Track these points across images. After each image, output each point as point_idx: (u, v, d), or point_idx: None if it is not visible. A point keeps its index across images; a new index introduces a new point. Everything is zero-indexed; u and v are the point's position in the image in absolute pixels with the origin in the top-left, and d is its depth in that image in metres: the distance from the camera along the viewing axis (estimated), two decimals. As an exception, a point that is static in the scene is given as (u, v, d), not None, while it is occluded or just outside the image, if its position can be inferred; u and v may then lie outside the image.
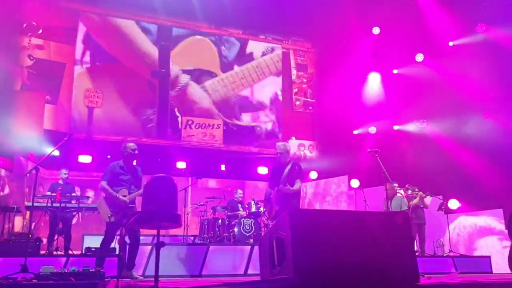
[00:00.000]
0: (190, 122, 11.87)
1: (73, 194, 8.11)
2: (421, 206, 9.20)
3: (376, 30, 11.94)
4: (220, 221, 8.85)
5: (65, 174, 8.27)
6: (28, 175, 6.58)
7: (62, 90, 11.15)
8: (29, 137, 9.79)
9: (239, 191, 9.73)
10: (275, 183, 5.99)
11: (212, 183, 11.73)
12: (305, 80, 13.43)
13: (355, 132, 12.24)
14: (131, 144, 6.13)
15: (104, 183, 5.82)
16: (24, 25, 10.79)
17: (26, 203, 7.90)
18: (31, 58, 10.83)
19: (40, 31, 10.97)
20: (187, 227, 9.15)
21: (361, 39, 12.15)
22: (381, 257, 3.64)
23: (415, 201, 9.10)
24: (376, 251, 3.66)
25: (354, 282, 3.49)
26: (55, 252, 7.39)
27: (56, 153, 8.70)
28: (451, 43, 10.85)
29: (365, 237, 3.70)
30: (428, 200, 9.22)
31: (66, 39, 11.32)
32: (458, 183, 9.57)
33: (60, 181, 8.25)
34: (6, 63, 10.20)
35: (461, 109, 10.14)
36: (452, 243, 9.41)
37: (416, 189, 9.14)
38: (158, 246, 3.58)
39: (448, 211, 9.60)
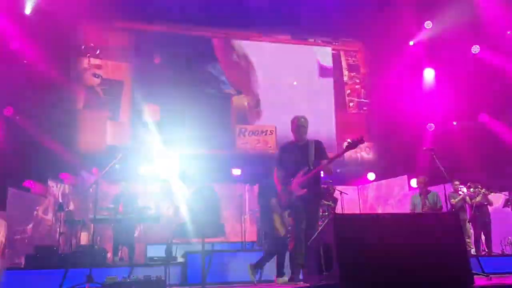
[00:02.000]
0: (243, 130, 12.04)
1: (134, 206, 8.40)
2: (485, 203, 8.84)
3: (428, 25, 11.60)
4: (277, 226, 8.85)
5: (126, 186, 8.62)
6: (91, 190, 6.92)
7: (122, 106, 11.65)
8: (93, 153, 10.32)
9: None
10: (298, 164, 5.41)
11: (268, 189, 11.78)
12: (357, 81, 13.25)
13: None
14: None
15: None
16: (83, 47, 11.40)
17: (91, 217, 8.31)
18: (97, 76, 11.42)
19: (98, 51, 11.55)
20: (245, 234, 9.25)
21: (413, 35, 11.86)
22: (431, 260, 3.53)
23: (478, 198, 8.76)
24: (425, 254, 3.55)
25: (402, 287, 3.42)
26: (119, 262, 7.72)
27: (117, 166, 9.10)
28: (509, 32, 10.38)
29: (413, 240, 3.61)
30: (492, 196, 8.85)
31: (122, 57, 11.82)
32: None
33: (122, 193, 8.61)
34: (69, 84, 10.86)
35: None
36: (522, 241, 8.95)
37: (479, 186, 8.79)
38: (204, 254, 3.69)
39: (515, 207, 9.13)
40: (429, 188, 8.42)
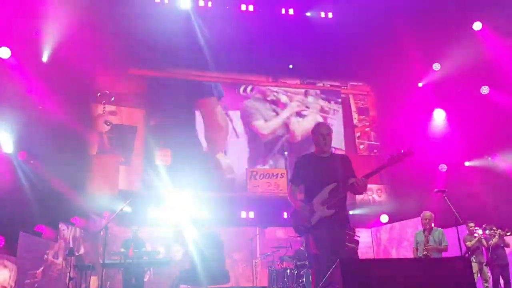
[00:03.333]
0: (254, 173, 12.07)
1: (143, 250, 8.39)
2: (502, 245, 8.62)
3: (436, 66, 11.72)
4: (288, 271, 8.73)
5: (135, 230, 8.63)
6: (101, 233, 6.93)
7: (135, 151, 11.82)
8: (105, 197, 10.41)
9: (305, 239, 9.62)
10: (323, 180, 4.53)
11: (280, 232, 11.68)
12: (367, 123, 13.31)
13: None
14: None
15: None
16: (98, 94, 11.70)
17: (101, 261, 8.29)
18: (108, 123, 11.64)
19: (113, 98, 11.83)
20: (256, 279, 9.12)
21: (422, 76, 11.98)
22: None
23: (495, 240, 8.53)
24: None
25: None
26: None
27: (128, 210, 9.16)
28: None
29: (423, 286, 3.51)
30: (508, 238, 8.63)
31: (136, 103, 12.09)
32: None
33: (131, 237, 8.61)
34: (84, 130, 11.08)
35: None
36: (543, 285, 8.63)
37: (494, 228, 8.59)
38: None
39: (533, 250, 8.89)
40: (447, 230, 8.23)
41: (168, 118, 12.06)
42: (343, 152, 12.56)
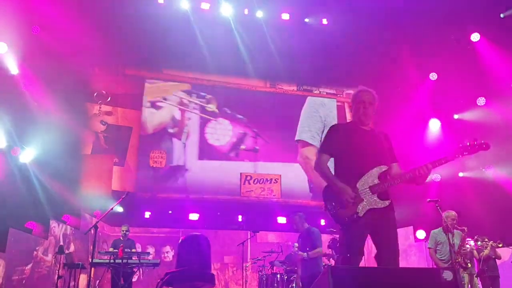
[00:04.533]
0: (248, 178, 12.05)
1: (133, 250, 8.36)
2: (493, 257, 8.59)
3: (433, 76, 11.75)
4: (278, 276, 8.70)
5: (125, 230, 8.59)
6: (92, 231, 6.90)
7: (129, 152, 11.79)
8: (98, 197, 10.37)
9: (296, 244, 9.56)
10: (368, 158, 3.78)
11: (272, 237, 11.66)
12: (362, 132, 13.29)
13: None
14: None
15: None
16: (95, 94, 11.69)
17: (90, 260, 8.26)
18: (103, 123, 11.62)
19: (109, 98, 11.82)
20: (246, 283, 9.08)
21: (418, 86, 11.99)
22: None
23: (486, 251, 8.49)
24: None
25: None
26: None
27: (120, 210, 9.15)
28: (513, 85, 10.45)
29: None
30: (500, 250, 8.61)
31: (132, 104, 12.09)
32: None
33: (121, 238, 8.58)
34: (79, 129, 11.06)
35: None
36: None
37: (486, 239, 8.57)
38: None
39: (525, 262, 8.88)
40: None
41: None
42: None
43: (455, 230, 7.39)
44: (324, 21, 11.79)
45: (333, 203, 3.70)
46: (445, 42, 11.01)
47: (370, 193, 3.64)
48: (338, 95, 13.40)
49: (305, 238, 7.31)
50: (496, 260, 8.60)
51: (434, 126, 11.88)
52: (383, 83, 11.97)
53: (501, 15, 10.00)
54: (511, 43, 9.96)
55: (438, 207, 6.81)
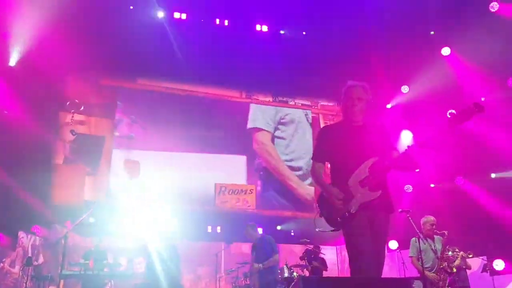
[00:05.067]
0: (223, 189, 12.00)
1: (105, 262, 8.22)
2: (464, 267, 8.71)
3: (405, 89, 11.98)
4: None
5: (98, 241, 8.45)
6: (62, 242, 6.77)
7: (102, 162, 11.62)
8: (69, 208, 10.18)
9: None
10: (358, 154, 3.63)
11: (245, 248, 11.60)
12: (336, 143, 13.41)
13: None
14: None
15: None
16: (68, 103, 11.51)
17: (60, 272, 8.07)
18: (73, 133, 11.42)
19: (82, 107, 11.65)
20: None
21: (390, 98, 12.20)
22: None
23: (457, 262, 8.60)
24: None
25: None
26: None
27: (91, 220, 8.99)
28: (483, 99, 10.71)
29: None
30: (471, 260, 8.74)
31: (106, 114, 11.93)
32: (503, 241, 9.10)
33: (93, 248, 8.43)
34: (51, 138, 10.86)
35: (499, 164, 9.85)
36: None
37: (457, 249, 8.68)
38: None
39: (493, 273, 9.03)
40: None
41: (138, 131, 11.91)
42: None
43: (435, 236, 7.35)
44: (299, 33, 11.93)
45: (326, 207, 3.66)
46: (417, 56, 11.27)
47: (360, 188, 3.50)
48: (313, 107, 13.51)
49: (259, 247, 7.32)
50: (467, 270, 8.73)
51: (406, 138, 12.08)
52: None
53: None
54: (480, 57, 10.24)
55: (410, 218, 6.88)
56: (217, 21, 11.63)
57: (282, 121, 13.10)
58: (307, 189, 12.54)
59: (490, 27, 9.87)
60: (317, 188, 3.34)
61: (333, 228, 3.66)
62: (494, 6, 10.08)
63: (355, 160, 3.56)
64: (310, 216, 11.90)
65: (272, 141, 12.82)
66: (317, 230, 3.95)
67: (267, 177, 12.42)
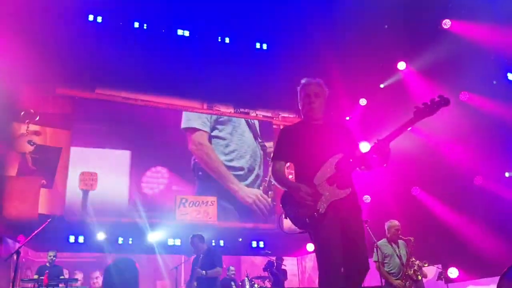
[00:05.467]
0: (184, 201, 11.87)
1: (61, 277, 7.98)
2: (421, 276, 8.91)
3: (363, 102, 12.25)
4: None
5: (52, 256, 8.18)
6: (14, 257, 6.52)
7: (58, 174, 11.29)
8: (23, 221, 9.82)
9: (231, 268, 9.52)
10: (322, 151, 3.43)
11: (206, 260, 11.51)
12: (295, 155, 13.54)
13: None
14: None
15: None
16: (22, 113, 11.15)
17: (11, 288, 7.76)
18: (31, 143, 11.08)
19: (38, 117, 11.31)
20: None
21: (349, 110, 12.44)
22: None
23: (413, 271, 8.81)
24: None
25: None
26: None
27: (47, 234, 8.70)
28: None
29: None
30: (426, 269, 8.94)
31: (62, 124, 11.62)
32: (456, 250, 9.39)
33: (48, 264, 8.16)
34: (4, 150, 10.48)
35: (453, 175, 10.17)
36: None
37: (413, 258, 8.89)
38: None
39: (448, 280, 9.29)
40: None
41: (95, 140, 11.65)
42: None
43: (399, 241, 7.24)
44: (258, 45, 12.05)
45: (291, 206, 3.38)
46: (375, 69, 11.56)
47: (328, 186, 3.30)
48: (274, 118, 13.62)
49: (205, 258, 7.31)
50: (423, 278, 8.93)
51: (364, 148, 12.30)
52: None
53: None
54: (434, 71, 10.61)
55: (368, 227, 6.94)
56: (180, 31, 11.59)
57: (219, 120, 12.85)
58: (247, 191, 12.38)
59: (444, 42, 10.26)
60: (278, 188, 3.16)
61: (300, 230, 3.42)
62: (447, 23, 10.49)
63: (319, 158, 3.39)
64: (271, 227, 11.96)
65: (210, 141, 12.56)
66: (285, 232, 3.67)
67: (206, 178, 12.13)
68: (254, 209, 12.17)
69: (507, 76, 9.78)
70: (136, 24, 11.37)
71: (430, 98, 3.35)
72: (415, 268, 6.98)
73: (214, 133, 12.67)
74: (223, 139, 12.71)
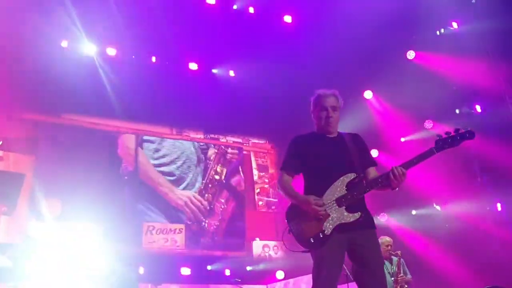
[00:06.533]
0: (151, 228, 11.63)
1: (21, 309, 7.63)
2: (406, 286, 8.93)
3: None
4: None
5: (13, 287, 7.85)
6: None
7: (20, 201, 10.90)
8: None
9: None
10: (334, 167, 3.36)
11: (176, 288, 11.26)
12: (266, 181, 13.61)
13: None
14: None
15: None
16: (-16, 137, 10.79)
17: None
18: (-9, 169, 10.68)
19: (0, 142, 10.96)
20: None
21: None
22: None
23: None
24: None
25: None
26: None
27: (7, 264, 8.36)
28: (402, 139, 11.37)
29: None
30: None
31: (26, 150, 11.29)
32: (425, 276, 9.51)
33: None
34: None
35: (418, 201, 10.40)
36: None
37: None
38: None
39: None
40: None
41: (60, 167, 11.33)
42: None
43: (393, 257, 7.02)
44: (231, 73, 12.14)
45: (296, 223, 3.30)
46: (343, 97, 11.77)
47: (337, 206, 3.21)
48: (245, 144, 13.65)
49: None
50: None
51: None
52: (288, 133, 12.45)
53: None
54: (400, 100, 10.91)
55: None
56: (153, 58, 11.57)
57: (149, 123, 12.48)
58: (178, 193, 12.12)
59: (408, 72, 10.61)
60: (285, 199, 3.11)
61: (304, 249, 3.34)
62: (411, 54, 10.87)
63: (327, 174, 3.32)
64: (241, 255, 11.87)
65: (140, 145, 12.25)
66: (288, 249, 3.61)
67: (136, 184, 11.76)
68: (186, 211, 12.00)
69: (469, 106, 10.16)
70: (109, 51, 11.27)
71: (455, 128, 3.27)
72: (403, 284, 6.75)
73: (144, 136, 12.33)
74: (153, 142, 12.39)
